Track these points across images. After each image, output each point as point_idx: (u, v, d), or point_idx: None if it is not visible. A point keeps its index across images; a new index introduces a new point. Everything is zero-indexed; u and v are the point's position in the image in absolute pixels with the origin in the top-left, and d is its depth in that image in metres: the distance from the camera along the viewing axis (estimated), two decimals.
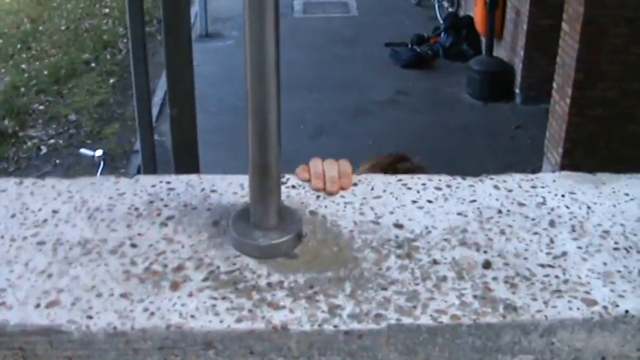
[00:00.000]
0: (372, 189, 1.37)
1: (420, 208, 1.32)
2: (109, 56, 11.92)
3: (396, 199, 1.34)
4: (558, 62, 7.51)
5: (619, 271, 1.17)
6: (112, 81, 10.90)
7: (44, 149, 8.92)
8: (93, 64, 11.55)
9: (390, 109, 9.91)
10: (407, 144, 8.18)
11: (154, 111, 7.98)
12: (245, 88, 1.12)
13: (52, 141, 9.11)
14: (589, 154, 7.10)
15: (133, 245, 1.21)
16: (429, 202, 1.34)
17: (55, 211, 1.30)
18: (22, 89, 10.51)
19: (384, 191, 1.37)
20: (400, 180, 1.40)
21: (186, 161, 3.70)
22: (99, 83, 10.84)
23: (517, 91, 9.88)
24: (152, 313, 1.06)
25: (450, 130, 9.24)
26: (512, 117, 9.57)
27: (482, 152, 8.33)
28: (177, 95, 3.77)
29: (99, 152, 5.26)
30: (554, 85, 7.62)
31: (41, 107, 10.02)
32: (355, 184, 1.39)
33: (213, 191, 1.35)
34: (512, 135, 8.99)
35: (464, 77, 10.38)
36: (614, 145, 7.15)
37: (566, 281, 1.15)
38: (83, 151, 5.70)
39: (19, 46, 12.18)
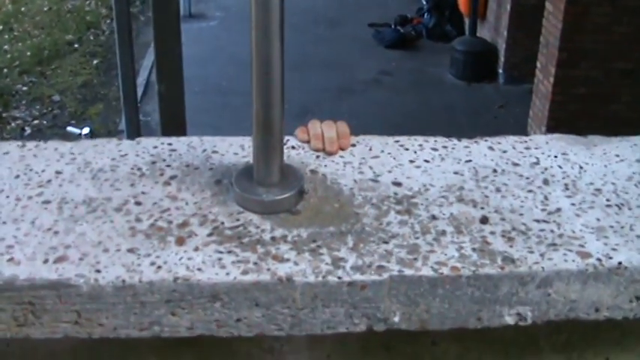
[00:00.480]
0: (370, 149, 1.40)
1: (418, 167, 1.35)
2: (92, 37, 11.84)
3: (394, 158, 1.37)
4: (542, 42, 7.54)
5: (611, 226, 1.20)
6: (95, 62, 10.84)
7: (28, 130, 8.87)
8: (76, 45, 11.48)
9: (374, 89, 9.91)
10: (391, 124, 8.22)
11: (139, 91, 7.95)
12: (250, 45, 1.14)
13: (36, 122, 9.06)
14: (572, 133, 7.13)
15: (138, 203, 1.23)
16: (426, 161, 1.37)
17: (58, 172, 1.31)
18: (5, 70, 10.44)
19: (382, 151, 1.39)
20: (397, 141, 1.43)
21: (175, 135, 3.71)
22: (82, 64, 10.78)
23: (500, 71, 9.91)
24: (159, 267, 1.09)
25: (433, 109, 9.26)
26: (495, 97, 9.60)
27: (466, 132, 8.34)
28: (166, 71, 3.77)
29: (86, 130, 5.26)
30: (538, 64, 7.65)
31: (24, 88, 9.95)
32: (353, 145, 1.41)
33: (214, 152, 1.37)
34: (495, 114, 9.03)
35: (447, 57, 10.39)
36: (597, 123, 7.20)
37: (560, 235, 1.18)
38: (70, 129, 5.70)
39: (0, 27, 12.09)
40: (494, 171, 1.34)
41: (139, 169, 1.32)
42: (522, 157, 1.39)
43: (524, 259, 1.12)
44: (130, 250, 1.12)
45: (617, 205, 1.26)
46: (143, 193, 1.26)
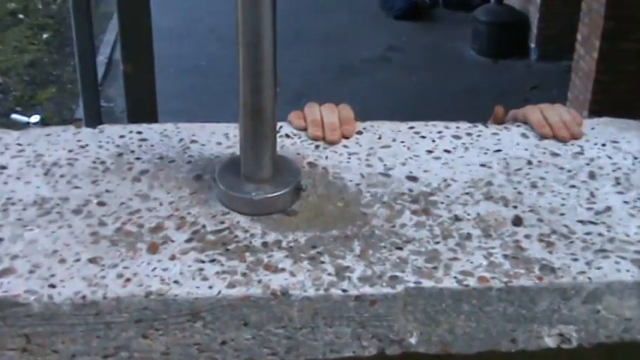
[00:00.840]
0: (380, 137, 1.40)
1: (437, 158, 1.35)
2: (40, 6, 11.84)
3: (408, 148, 1.37)
4: (583, 9, 7.54)
5: None
6: (45, 36, 10.82)
7: None
8: (21, 16, 11.47)
9: (381, 69, 9.93)
10: (401, 110, 8.21)
11: (99, 72, 7.94)
12: (235, 16, 1.14)
13: None
14: (620, 118, 7.11)
15: (101, 203, 1.23)
16: (447, 151, 1.37)
17: (2, 167, 1.31)
18: None
19: (394, 140, 1.40)
20: (412, 127, 1.43)
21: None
22: (29, 39, 10.76)
23: (532, 45, 9.92)
24: (128, 280, 1.08)
25: (452, 92, 9.27)
26: (527, 76, 9.61)
27: None
28: (132, 47, 3.75)
29: (35, 118, 5.26)
30: (579, 36, 7.65)
31: None
32: (359, 133, 1.42)
33: (193, 142, 1.37)
34: (527, 97, 9.04)
35: (469, 30, 10.40)
36: None
37: (611, 239, 1.18)
38: (15, 116, 5.70)
39: None
40: (529, 162, 1.35)
41: (103, 162, 1.32)
42: (563, 145, 1.40)
43: (567, 269, 1.12)
44: (92, 260, 1.11)
45: None
46: (108, 191, 1.25)
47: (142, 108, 3.87)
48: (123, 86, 3.97)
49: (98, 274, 1.09)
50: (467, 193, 1.27)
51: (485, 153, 1.37)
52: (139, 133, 1.40)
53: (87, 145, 1.37)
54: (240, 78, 1.17)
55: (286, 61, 9.54)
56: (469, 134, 1.42)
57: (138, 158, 1.33)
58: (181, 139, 1.38)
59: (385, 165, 1.33)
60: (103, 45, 9.77)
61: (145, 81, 3.85)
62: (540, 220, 1.21)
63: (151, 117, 3.85)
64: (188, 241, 1.15)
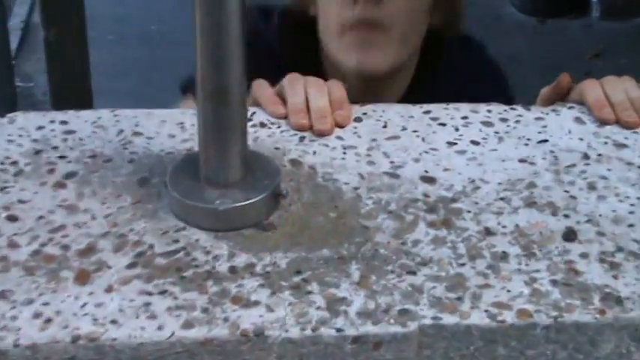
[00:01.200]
0: (385, 126, 1.41)
1: (461, 152, 1.36)
2: None
3: (423, 140, 1.38)
4: None
5: None
6: None
7: None
8: None
9: None
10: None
11: (13, 41, 7.94)
12: None
13: None
14: None
15: (12, 218, 1.23)
16: (475, 143, 1.38)
17: None
18: None
19: (404, 129, 1.40)
20: (428, 112, 1.43)
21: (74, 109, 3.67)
22: None
23: None
24: (48, 320, 1.08)
25: None
26: (586, 41, 9.61)
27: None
28: (56, 7, 3.75)
29: None
30: None
31: None
32: (358, 119, 1.42)
33: (136, 134, 1.38)
34: (586, 69, 9.05)
35: None
36: None
37: None
38: None
39: None
40: (586, 157, 1.35)
41: (14, 163, 1.33)
42: (632, 134, 1.40)
43: (639, 299, 1.12)
44: (0, 295, 1.12)
45: None
46: (21, 201, 1.26)
47: (71, 89, 3.87)
48: (45, 60, 3.97)
49: (7, 313, 1.09)
50: (502, 199, 1.27)
51: (526, 144, 1.37)
52: (64, 123, 1.40)
53: None
54: (198, 45, 1.17)
55: None
56: (504, 120, 1.42)
57: (62, 157, 1.33)
58: (121, 131, 1.38)
59: (392, 162, 1.33)
60: (17, 4, 9.76)
61: (74, 52, 3.85)
62: (601, 233, 1.22)
63: (83, 101, 3.85)
64: (130, 266, 1.15)
